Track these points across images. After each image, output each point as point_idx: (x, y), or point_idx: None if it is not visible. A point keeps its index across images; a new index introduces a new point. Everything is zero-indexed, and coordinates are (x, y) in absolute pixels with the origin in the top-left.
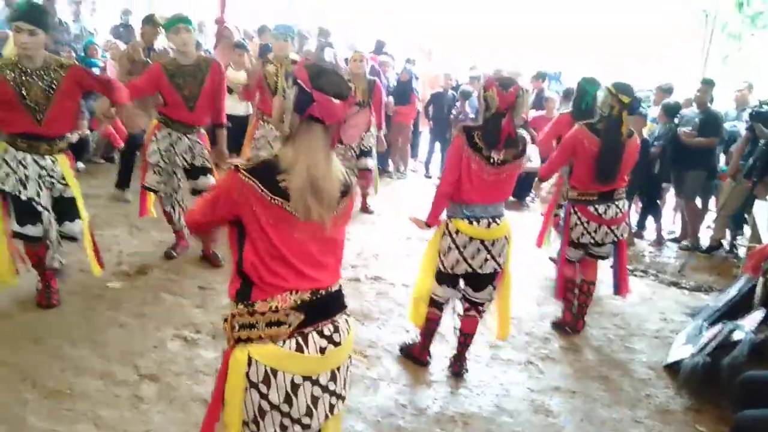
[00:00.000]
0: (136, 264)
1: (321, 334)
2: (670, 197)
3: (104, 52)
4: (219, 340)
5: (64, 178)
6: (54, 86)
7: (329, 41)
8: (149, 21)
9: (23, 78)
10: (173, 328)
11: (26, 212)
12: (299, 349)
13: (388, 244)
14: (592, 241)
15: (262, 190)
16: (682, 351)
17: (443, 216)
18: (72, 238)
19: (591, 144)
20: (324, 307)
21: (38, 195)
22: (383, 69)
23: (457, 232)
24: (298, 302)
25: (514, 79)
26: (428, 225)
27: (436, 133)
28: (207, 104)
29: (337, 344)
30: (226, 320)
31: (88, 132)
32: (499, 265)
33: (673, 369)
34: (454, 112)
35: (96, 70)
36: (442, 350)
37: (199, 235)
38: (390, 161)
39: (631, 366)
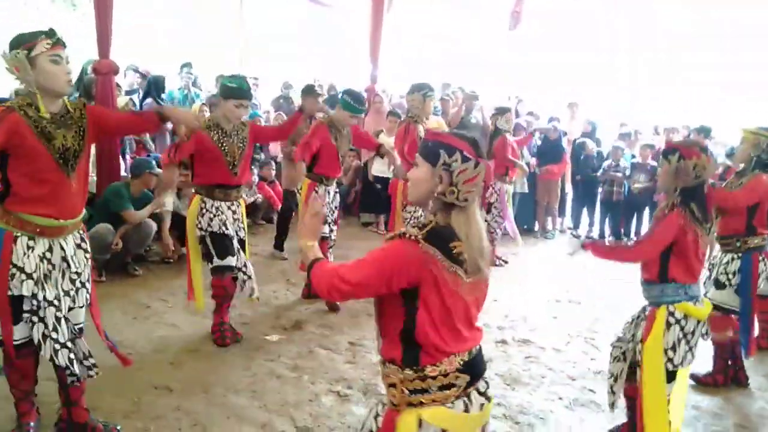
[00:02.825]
0: (293, 318)
1: (479, 391)
2: None
3: (266, 123)
4: (370, 396)
5: (243, 221)
6: (244, 141)
7: (474, 103)
8: (311, 91)
9: (223, 138)
10: (326, 383)
11: (227, 247)
12: (466, 409)
13: (536, 306)
14: None
15: (443, 259)
16: None
17: (656, 299)
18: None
19: None
20: (479, 365)
21: (236, 234)
22: (528, 128)
23: (686, 317)
24: (462, 364)
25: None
26: (586, 248)
27: (584, 191)
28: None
29: (489, 399)
30: (393, 386)
31: (259, 196)
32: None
33: None
34: (605, 167)
35: None
36: (598, 421)
37: (334, 300)
38: (536, 221)
39: None
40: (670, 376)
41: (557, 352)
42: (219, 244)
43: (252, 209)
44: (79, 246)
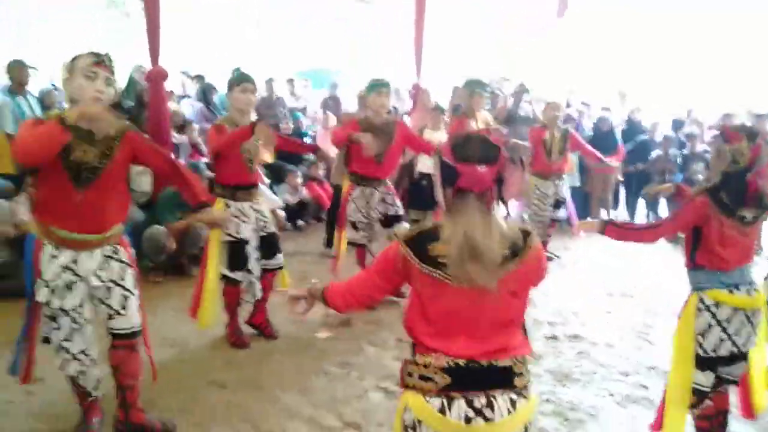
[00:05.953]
0: (341, 316)
1: (470, 403)
2: None
3: (312, 123)
4: None
5: (266, 217)
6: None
7: (524, 96)
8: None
9: None
10: (375, 379)
11: (239, 256)
12: (441, 410)
13: (588, 300)
14: None
15: (413, 258)
16: None
17: (692, 285)
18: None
19: None
20: (479, 378)
21: (251, 239)
22: (579, 119)
23: (717, 304)
24: (450, 365)
25: (756, 127)
26: (606, 233)
27: (639, 181)
28: (393, 159)
29: (487, 420)
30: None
31: (307, 195)
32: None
33: None
34: (653, 157)
35: (308, 139)
36: None
37: (350, 311)
38: (590, 214)
39: None
40: (704, 363)
41: (609, 347)
42: (236, 254)
43: (300, 209)
44: (110, 257)
